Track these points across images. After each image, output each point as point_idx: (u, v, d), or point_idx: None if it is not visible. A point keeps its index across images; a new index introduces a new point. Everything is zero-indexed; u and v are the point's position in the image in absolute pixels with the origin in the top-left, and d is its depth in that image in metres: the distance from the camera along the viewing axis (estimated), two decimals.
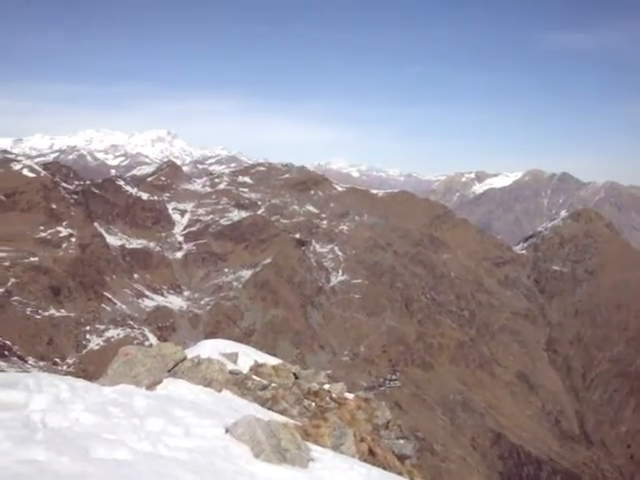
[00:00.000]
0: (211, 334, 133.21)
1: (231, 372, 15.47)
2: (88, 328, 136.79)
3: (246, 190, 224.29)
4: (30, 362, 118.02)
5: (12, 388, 7.63)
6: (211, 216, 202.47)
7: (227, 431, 8.07)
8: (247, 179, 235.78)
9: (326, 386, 17.26)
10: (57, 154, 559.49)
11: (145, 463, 6.08)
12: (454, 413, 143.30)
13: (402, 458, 15.56)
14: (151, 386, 11.72)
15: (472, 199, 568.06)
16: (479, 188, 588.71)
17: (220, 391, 12.68)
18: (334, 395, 16.59)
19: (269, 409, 13.61)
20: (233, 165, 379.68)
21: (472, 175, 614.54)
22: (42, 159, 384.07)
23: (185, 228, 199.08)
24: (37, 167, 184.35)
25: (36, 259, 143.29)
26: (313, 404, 15.49)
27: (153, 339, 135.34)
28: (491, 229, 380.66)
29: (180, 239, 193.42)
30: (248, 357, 19.52)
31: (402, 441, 16.20)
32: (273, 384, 15.68)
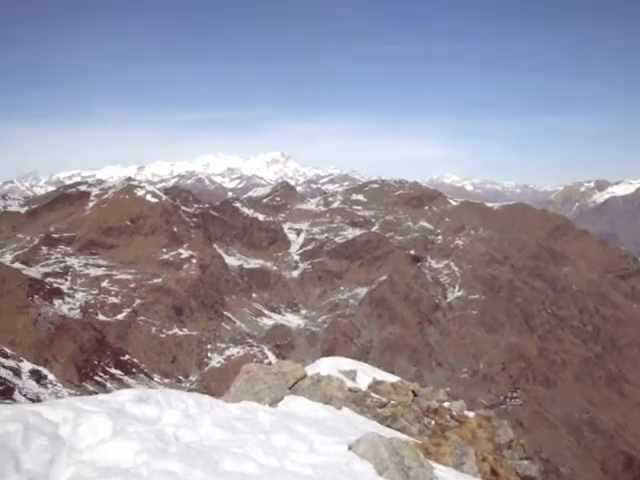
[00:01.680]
0: (328, 351, 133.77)
1: (350, 389, 15.53)
2: (209, 346, 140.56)
3: (360, 208, 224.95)
4: (156, 379, 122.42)
5: (145, 403, 8.05)
6: (326, 235, 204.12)
7: (350, 448, 8.05)
8: (360, 197, 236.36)
9: (446, 404, 17.03)
10: (177, 179, 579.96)
11: (272, 477, 6.23)
12: (580, 433, 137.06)
13: None
14: (273, 403, 11.95)
15: (593, 209, 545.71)
16: (600, 197, 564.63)
17: (340, 408, 12.73)
18: (454, 413, 16.34)
19: (388, 427, 13.56)
20: (346, 183, 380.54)
21: (592, 184, 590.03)
22: (163, 184, 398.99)
23: (301, 247, 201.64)
24: (159, 192, 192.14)
25: (159, 280, 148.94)
26: (433, 422, 15.31)
27: (272, 357, 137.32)
28: (615, 240, 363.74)
29: (296, 258, 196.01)
30: (366, 375, 19.48)
31: (526, 462, 15.69)
32: (392, 402, 15.61)
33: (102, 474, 5.47)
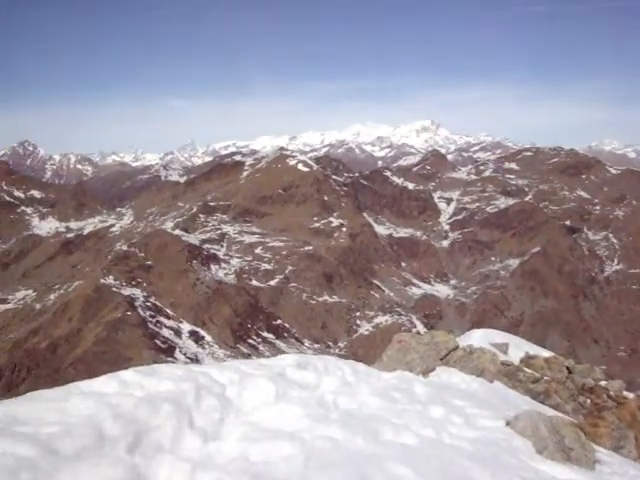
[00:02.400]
0: (477, 323, 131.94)
1: (502, 363, 15.30)
2: (358, 314, 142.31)
3: (512, 176, 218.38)
4: (306, 344, 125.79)
5: (304, 369, 8.35)
6: (477, 204, 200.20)
7: (507, 424, 7.92)
8: (513, 165, 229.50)
9: (602, 382, 16.42)
10: (327, 148, 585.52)
11: (431, 449, 6.27)
12: None
13: None
14: (424, 373, 11.99)
15: None
16: None
17: (492, 382, 12.60)
18: (611, 393, 15.73)
19: (541, 403, 13.27)
20: (498, 151, 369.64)
21: None
22: (314, 154, 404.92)
23: (451, 216, 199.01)
24: (310, 161, 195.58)
25: (310, 248, 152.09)
26: (588, 401, 14.79)
27: (420, 326, 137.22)
28: None
29: (446, 228, 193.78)
30: (518, 348, 19.05)
31: None
32: (545, 377, 15.23)
33: (268, 436, 5.75)
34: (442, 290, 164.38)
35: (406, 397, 8.16)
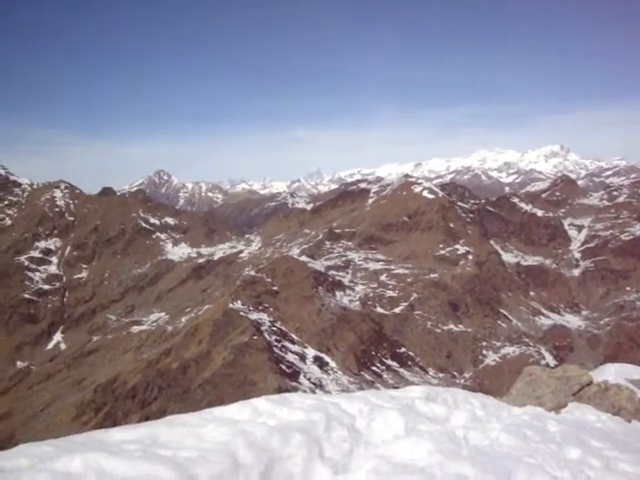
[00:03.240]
0: (611, 357, 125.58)
1: None
2: (484, 344, 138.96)
3: None
4: (430, 373, 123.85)
5: (433, 402, 8.25)
6: (610, 231, 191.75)
7: None
8: None
9: None
10: (453, 175, 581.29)
11: None
12: None
13: None
14: (555, 409, 11.57)
15: None
16: None
17: (630, 422, 11.98)
18: None
19: None
20: (633, 176, 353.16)
21: None
22: (439, 181, 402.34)
23: (582, 244, 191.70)
24: (435, 188, 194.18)
25: (436, 276, 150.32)
26: None
27: (549, 358, 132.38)
28: None
29: (577, 256, 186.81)
30: None
31: None
32: None
33: (398, 471, 5.69)
34: (573, 321, 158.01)
35: (539, 435, 7.86)
